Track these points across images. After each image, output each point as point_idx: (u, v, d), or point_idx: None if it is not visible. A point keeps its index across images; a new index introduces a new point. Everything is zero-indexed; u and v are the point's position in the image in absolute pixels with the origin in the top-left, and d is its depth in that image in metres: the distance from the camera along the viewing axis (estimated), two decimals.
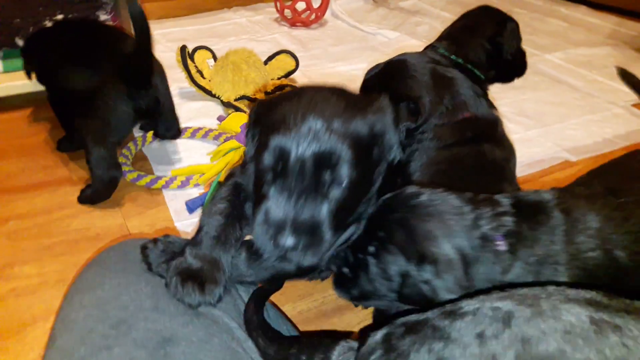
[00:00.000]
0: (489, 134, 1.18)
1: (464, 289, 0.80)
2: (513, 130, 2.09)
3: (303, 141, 0.77)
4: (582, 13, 3.52)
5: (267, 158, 0.80)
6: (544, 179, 1.82)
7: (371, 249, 0.87)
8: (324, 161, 0.78)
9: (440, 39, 1.67)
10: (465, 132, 1.15)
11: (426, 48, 1.67)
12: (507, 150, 1.21)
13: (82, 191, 1.58)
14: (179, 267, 0.82)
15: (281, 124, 0.80)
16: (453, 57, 1.58)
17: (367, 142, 0.83)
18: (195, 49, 2.25)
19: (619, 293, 0.61)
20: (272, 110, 0.84)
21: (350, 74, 2.49)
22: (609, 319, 0.55)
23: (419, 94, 1.23)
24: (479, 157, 1.11)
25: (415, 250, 0.82)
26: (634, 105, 2.32)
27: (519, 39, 1.68)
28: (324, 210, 0.79)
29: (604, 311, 0.56)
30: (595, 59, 2.81)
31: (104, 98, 1.48)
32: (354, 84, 2.29)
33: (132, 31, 1.51)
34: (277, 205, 0.78)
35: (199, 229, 0.89)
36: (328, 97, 0.84)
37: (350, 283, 0.91)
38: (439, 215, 0.82)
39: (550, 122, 2.16)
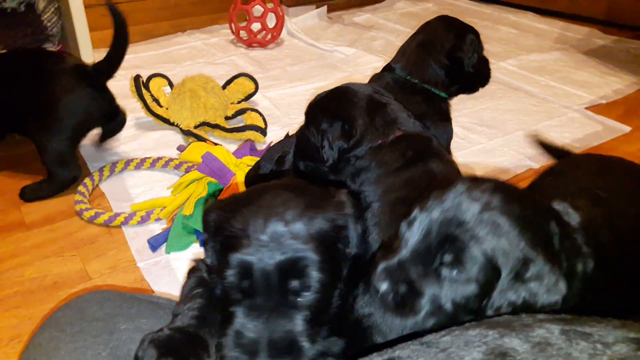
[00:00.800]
0: (428, 151, 1.17)
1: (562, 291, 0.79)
2: (475, 140, 2.11)
3: (266, 252, 0.74)
4: (530, 19, 3.63)
5: (231, 276, 0.75)
6: None
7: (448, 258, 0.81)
8: (290, 270, 0.74)
9: (397, 58, 1.63)
10: (406, 152, 1.14)
11: (383, 69, 1.65)
12: (450, 163, 1.21)
13: (30, 188, 1.70)
14: (157, 339, 0.72)
15: (241, 236, 0.75)
16: (408, 77, 1.56)
17: (331, 239, 0.80)
18: (150, 77, 2.19)
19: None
20: (229, 219, 0.79)
21: (310, 92, 2.47)
22: (579, 328, 0.56)
23: (353, 116, 1.23)
24: (431, 177, 1.10)
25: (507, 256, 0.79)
26: (587, 108, 2.39)
27: (480, 49, 1.63)
28: (298, 322, 0.75)
29: (574, 323, 0.57)
30: (547, 64, 2.89)
31: (69, 101, 1.65)
32: None
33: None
34: (247, 325, 0.73)
35: (176, 313, 0.80)
36: (287, 198, 0.80)
37: None
38: None
39: (511, 130, 2.19)
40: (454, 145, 1.68)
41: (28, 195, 1.70)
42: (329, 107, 1.29)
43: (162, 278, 1.40)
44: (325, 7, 3.54)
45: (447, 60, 1.56)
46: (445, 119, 1.60)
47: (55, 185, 1.72)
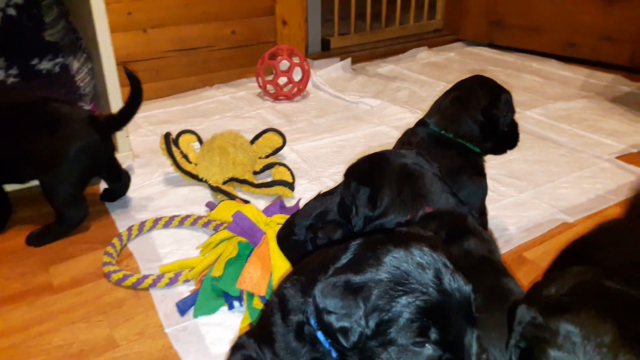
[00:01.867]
0: (463, 229, 1.13)
1: None
2: (506, 193, 2.06)
3: None
4: (554, 67, 3.63)
5: None
6: (545, 244, 1.76)
7: None
8: None
9: (431, 113, 1.63)
10: (439, 230, 1.10)
11: (417, 124, 1.64)
12: (487, 241, 1.16)
13: (37, 232, 1.76)
14: None
15: None
16: (443, 132, 1.56)
17: None
18: (179, 133, 2.22)
19: None
20: None
21: (336, 144, 2.47)
22: None
23: (381, 185, 1.22)
24: (468, 258, 1.06)
25: None
26: (619, 158, 2.33)
27: (513, 110, 1.64)
28: None
29: None
30: (574, 112, 2.86)
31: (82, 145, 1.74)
32: (341, 155, 2.33)
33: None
34: None
35: None
36: None
37: None
38: None
39: (542, 182, 2.14)
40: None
41: (36, 240, 1.75)
42: (361, 172, 1.28)
43: (190, 345, 1.35)
44: (349, 59, 3.59)
45: (482, 117, 1.56)
46: (480, 173, 1.59)
47: (65, 227, 1.78)
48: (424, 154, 1.31)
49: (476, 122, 1.56)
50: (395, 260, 0.81)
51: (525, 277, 1.60)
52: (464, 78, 1.70)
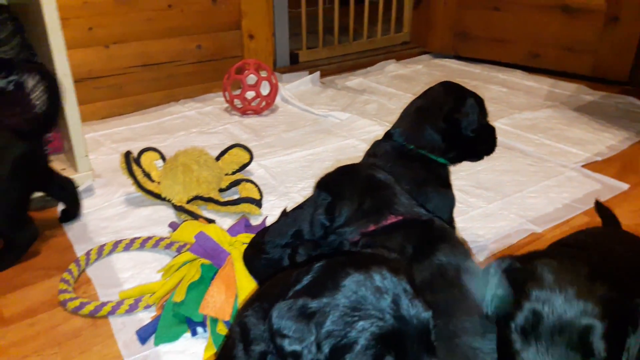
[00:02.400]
0: (432, 239, 1.08)
1: None
2: (475, 204, 2.05)
3: None
4: (519, 77, 3.68)
5: None
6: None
7: None
8: None
9: (396, 124, 1.59)
10: (404, 245, 1.07)
11: (385, 135, 1.60)
12: (460, 244, 1.13)
13: None
14: None
15: None
16: (405, 144, 1.51)
17: None
18: (141, 151, 2.15)
19: None
20: None
21: (305, 159, 2.44)
22: None
23: (341, 194, 1.20)
24: (443, 276, 1.02)
25: None
26: (584, 166, 2.35)
27: (483, 113, 1.57)
28: None
29: None
30: (539, 121, 2.89)
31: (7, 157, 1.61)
32: (310, 170, 2.29)
33: None
34: None
35: None
36: None
37: None
38: None
39: (509, 192, 2.14)
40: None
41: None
42: (327, 181, 1.26)
43: None
44: (318, 73, 3.58)
45: (444, 124, 1.50)
46: (444, 185, 1.53)
47: (14, 253, 1.69)
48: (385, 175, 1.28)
49: (438, 131, 1.50)
50: (353, 285, 0.78)
51: None
52: (432, 86, 1.64)
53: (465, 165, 2.30)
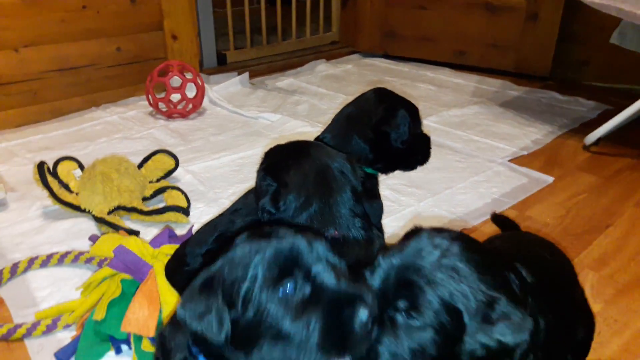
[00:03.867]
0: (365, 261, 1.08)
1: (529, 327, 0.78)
2: (406, 203, 2.07)
3: None
4: (447, 75, 3.78)
5: None
6: None
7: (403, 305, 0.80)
8: None
9: (326, 130, 1.54)
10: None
11: (315, 140, 1.56)
12: None
13: None
14: None
15: None
16: None
17: None
18: (57, 161, 2.00)
19: None
20: None
21: (236, 162, 2.38)
22: None
23: (290, 188, 1.12)
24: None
25: (469, 298, 0.78)
26: (511, 161, 2.44)
27: (417, 123, 1.52)
28: None
29: None
30: (467, 118, 2.97)
31: None
32: (241, 174, 2.23)
33: None
34: None
35: None
36: None
37: None
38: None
39: (440, 189, 2.18)
40: (385, 209, 1.60)
41: None
42: (273, 161, 1.20)
43: None
44: (247, 74, 3.51)
45: (372, 135, 1.46)
46: (372, 196, 1.49)
47: None
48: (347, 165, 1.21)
49: (366, 141, 1.46)
50: (246, 243, 0.81)
51: None
52: (365, 91, 1.59)
53: None
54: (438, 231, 0.85)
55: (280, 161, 1.20)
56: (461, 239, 0.84)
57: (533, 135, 2.73)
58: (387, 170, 1.55)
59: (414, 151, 1.55)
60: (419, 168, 2.31)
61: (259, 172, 1.21)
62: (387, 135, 1.46)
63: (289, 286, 0.76)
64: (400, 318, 0.80)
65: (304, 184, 1.13)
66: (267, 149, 1.28)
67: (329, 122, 1.59)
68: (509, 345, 0.78)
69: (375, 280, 0.82)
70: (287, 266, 0.77)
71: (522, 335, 0.78)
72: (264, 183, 1.16)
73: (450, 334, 0.79)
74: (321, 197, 1.12)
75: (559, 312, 0.98)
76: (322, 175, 1.15)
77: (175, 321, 0.90)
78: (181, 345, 0.88)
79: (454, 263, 0.80)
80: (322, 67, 3.91)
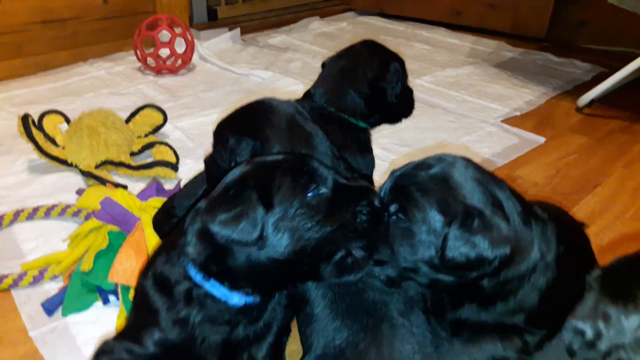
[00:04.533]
0: None
1: (509, 242, 0.84)
2: (397, 162, 2.06)
3: None
4: (442, 35, 3.72)
5: None
6: None
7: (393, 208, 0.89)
8: None
9: (317, 84, 1.52)
10: None
11: (304, 96, 1.54)
12: None
13: None
14: None
15: None
16: (325, 106, 1.46)
17: None
18: (42, 114, 1.96)
19: None
20: None
21: None
22: None
23: (267, 137, 1.09)
24: None
25: (454, 207, 0.85)
26: (503, 121, 2.42)
27: (404, 78, 1.54)
28: None
29: None
30: (461, 78, 2.94)
31: None
32: None
33: None
34: None
35: None
36: None
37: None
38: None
39: (431, 149, 2.17)
40: (376, 167, 1.59)
41: None
42: (240, 123, 1.14)
43: (59, 348, 1.21)
44: (238, 30, 3.44)
45: (368, 90, 1.46)
46: (364, 150, 1.50)
47: None
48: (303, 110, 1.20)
49: (361, 96, 1.46)
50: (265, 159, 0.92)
51: None
52: (354, 43, 1.58)
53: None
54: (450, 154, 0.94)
55: (247, 120, 1.14)
56: (468, 160, 0.93)
57: (526, 96, 2.71)
58: (378, 123, 1.55)
59: (402, 104, 1.56)
60: (411, 127, 2.33)
61: (221, 136, 1.15)
62: (383, 90, 1.47)
63: (312, 188, 0.85)
64: (392, 220, 0.89)
65: (282, 135, 1.11)
66: None
67: (317, 77, 1.56)
68: (486, 257, 0.83)
69: (381, 190, 0.93)
70: (308, 172, 0.86)
71: (500, 249, 0.83)
72: (236, 144, 1.10)
73: (433, 238, 0.86)
74: (303, 145, 1.11)
75: (573, 244, 1.02)
76: (292, 124, 1.14)
77: (171, 260, 0.93)
78: (182, 277, 0.91)
79: (448, 175, 0.87)
80: (316, 25, 3.83)
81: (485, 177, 0.90)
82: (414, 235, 0.87)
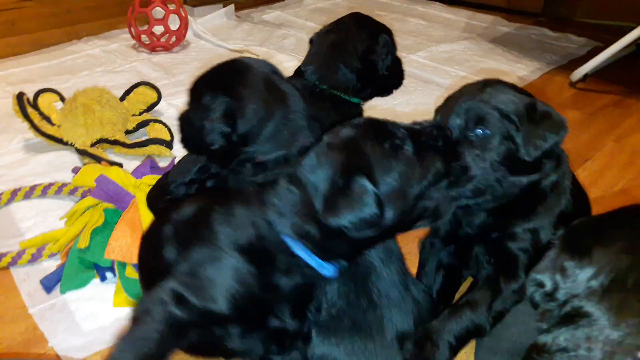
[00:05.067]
0: None
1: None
2: None
3: None
4: (438, 10, 3.69)
5: None
6: None
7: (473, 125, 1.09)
8: None
9: (307, 60, 1.53)
10: None
11: (295, 73, 1.54)
12: None
13: None
14: None
15: None
16: (317, 83, 1.47)
17: None
18: (38, 93, 1.97)
19: None
20: None
21: None
22: None
23: (241, 95, 1.08)
24: None
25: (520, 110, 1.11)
26: None
27: (394, 49, 1.55)
28: None
29: None
30: (456, 53, 2.93)
31: None
32: None
33: None
34: None
35: None
36: None
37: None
38: None
39: None
40: None
41: None
42: (216, 81, 1.12)
43: (58, 324, 1.24)
44: (232, 6, 3.41)
45: (359, 64, 1.47)
46: None
47: None
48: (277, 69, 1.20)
49: (353, 71, 1.47)
50: None
51: None
52: (340, 17, 1.59)
53: (382, 99, 2.29)
54: None
55: (223, 78, 1.12)
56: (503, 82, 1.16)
57: (521, 71, 2.71)
58: (369, 96, 1.57)
59: (392, 75, 1.58)
60: (405, 103, 2.33)
61: (196, 93, 1.13)
62: (374, 63, 1.48)
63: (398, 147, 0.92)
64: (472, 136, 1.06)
65: (257, 93, 1.10)
66: None
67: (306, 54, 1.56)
68: (555, 141, 1.05)
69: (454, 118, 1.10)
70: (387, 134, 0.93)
71: (562, 133, 1.07)
72: (210, 101, 1.08)
73: (512, 136, 1.05)
74: (278, 103, 1.11)
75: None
76: (268, 83, 1.13)
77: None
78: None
79: (502, 88, 1.12)
80: (310, 0, 3.79)
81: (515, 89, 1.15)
82: (494, 140, 1.05)
